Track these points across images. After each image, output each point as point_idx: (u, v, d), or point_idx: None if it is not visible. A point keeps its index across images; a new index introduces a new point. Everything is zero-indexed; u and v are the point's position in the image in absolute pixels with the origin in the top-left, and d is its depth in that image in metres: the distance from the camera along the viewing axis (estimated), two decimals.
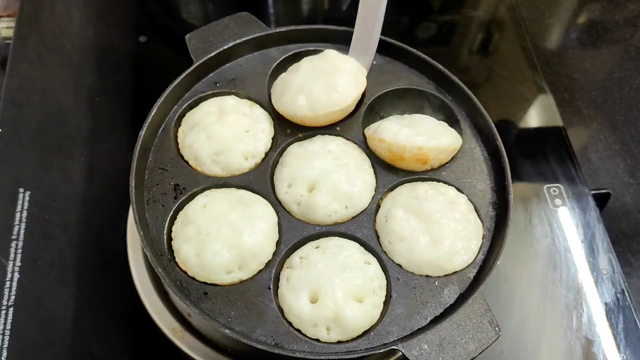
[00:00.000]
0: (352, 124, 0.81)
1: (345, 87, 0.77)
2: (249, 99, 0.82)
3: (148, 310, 0.82)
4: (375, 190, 0.76)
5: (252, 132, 0.77)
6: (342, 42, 0.86)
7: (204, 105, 0.81)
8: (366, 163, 0.78)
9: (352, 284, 0.67)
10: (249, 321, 0.66)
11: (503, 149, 0.76)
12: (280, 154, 0.79)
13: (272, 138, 0.80)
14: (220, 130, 0.76)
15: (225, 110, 0.79)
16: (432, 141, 0.74)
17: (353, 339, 0.66)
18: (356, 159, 0.77)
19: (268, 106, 0.81)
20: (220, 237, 0.69)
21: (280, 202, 0.74)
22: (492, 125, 0.78)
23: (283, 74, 0.82)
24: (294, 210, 0.74)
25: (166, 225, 0.71)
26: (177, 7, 1.28)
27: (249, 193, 0.75)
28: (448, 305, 0.68)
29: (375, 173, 0.78)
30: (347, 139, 0.80)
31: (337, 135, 0.80)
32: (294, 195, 0.73)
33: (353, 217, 0.74)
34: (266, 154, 0.78)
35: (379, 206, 0.75)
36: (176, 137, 0.79)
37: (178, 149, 0.78)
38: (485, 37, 1.25)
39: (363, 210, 0.74)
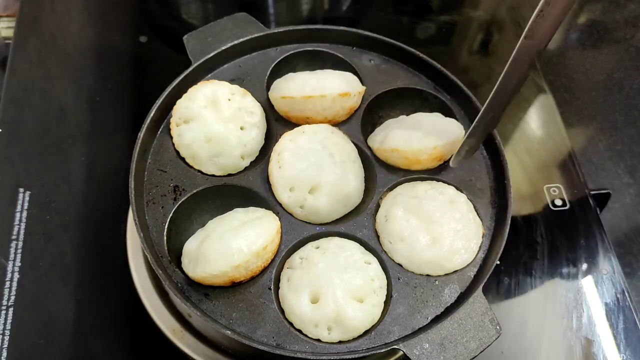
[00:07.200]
0: (351, 124, 0.81)
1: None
2: None
3: (148, 310, 0.82)
4: (374, 190, 0.76)
5: (247, 129, 0.77)
6: (341, 42, 0.87)
7: (194, 93, 0.77)
8: (353, 154, 0.77)
9: (353, 284, 0.66)
10: (250, 322, 0.66)
11: (502, 147, 0.76)
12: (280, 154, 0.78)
13: (265, 133, 0.80)
14: (221, 132, 0.75)
15: (218, 102, 0.76)
16: (443, 138, 0.75)
17: (354, 339, 0.66)
18: (347, 152, 0.77)
19: (266, 106, 0.81)
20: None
21: (280, 204, 0.74)
22: None
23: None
24: (297, 213, 0.73)
25: (166, 227, 0.71)
26: (177, 7, 1.28)
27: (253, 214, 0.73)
28: (449, 304, 0.68)
29: (375, 173, 0.78)
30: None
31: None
32: (296, 199, 0.73)
33: (353, 217, 0.74)
34: (260, 151, 0.78)
35: (378, 206, 0.75)
36: (169, 129, 0.77)
37: (174, 145, 0.76)
38: (485, 37, 1.25)
39: (363, 210, 0.74)
